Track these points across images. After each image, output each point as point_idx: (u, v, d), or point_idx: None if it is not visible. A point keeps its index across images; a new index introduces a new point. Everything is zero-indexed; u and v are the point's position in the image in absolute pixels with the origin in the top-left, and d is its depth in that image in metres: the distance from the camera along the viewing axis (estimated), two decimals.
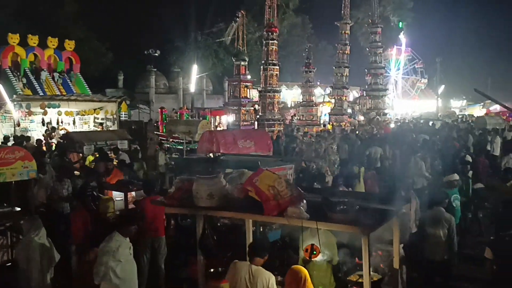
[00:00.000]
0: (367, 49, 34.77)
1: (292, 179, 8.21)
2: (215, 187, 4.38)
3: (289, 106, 41.53)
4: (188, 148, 16.95)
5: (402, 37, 56.30)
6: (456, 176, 8.76)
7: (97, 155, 12.96)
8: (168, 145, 19.21)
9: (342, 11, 31.12)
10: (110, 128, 20.36)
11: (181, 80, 38.53)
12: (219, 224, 6.14)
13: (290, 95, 45.10)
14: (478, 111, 46.86)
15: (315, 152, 14.89)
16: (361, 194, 6.47)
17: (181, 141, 18.25)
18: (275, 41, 26.18)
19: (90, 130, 20.65)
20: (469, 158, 12.52)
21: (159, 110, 25.97)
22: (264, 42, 26.37)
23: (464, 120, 34.44)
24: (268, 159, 8.35)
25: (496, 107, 39.46)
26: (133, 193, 8.45)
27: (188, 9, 43.80)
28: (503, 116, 25.02)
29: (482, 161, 12.46)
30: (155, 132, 19.90)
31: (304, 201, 4.10)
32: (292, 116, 36.01)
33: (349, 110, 37.52)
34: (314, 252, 4.05)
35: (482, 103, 48.09)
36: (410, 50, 58.32)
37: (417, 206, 7.13)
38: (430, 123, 28.38)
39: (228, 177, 4.89)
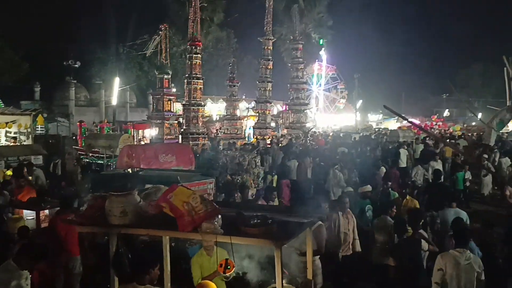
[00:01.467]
0: (290, 64, 35.71)
1: (212, 193, 8.25)
2: (128, 204, 4.28)
3: (214, 119, 41.59)
4: (109, 163, 16.45)
5: (323, 53, 58.67)
6: (369, 188, 9.29)
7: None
8: (88, 160, 18.51)
9: (265, 28, 31.81)
10: (24, 143, 19.23)
11: (103, 92, 37.39)
12: (137, 242, 6.00)
13: (216, 108, 45.22)
14: (393, 124, 49.66)
15: (239, 165, 14.99)
16: (276, 207, 6.61)
17: (101, 155, 17.68)
18: (199, 55, 26.21)
19: (1, 145, 19.36)
20: (383, 170, 13.25)
21: (78, 123, 24.97)
22: (188, 55, 26.30)
23: (380, 133, 36.29)
24: (188, 174, 8.33)
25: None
26: (46, 211, 8.02)
27: (110, 20, 42.80)
28: (414, 130, 26.67)
29: (394, 173, 13.20)
30: (73, 147, 19.10)
31: (219, 216, 4.13)
32: (217, 130, 36.08)
33: (273, 124, 38.28)
34: (229, 267, 4.08)
35: (397, 117, 51.07)
36: (335, 68, 60.93)
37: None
38: (358, 136, 29.59)
39: (143, 194, 4.80)
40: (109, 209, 4.32)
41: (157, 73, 27.28)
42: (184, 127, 26.69)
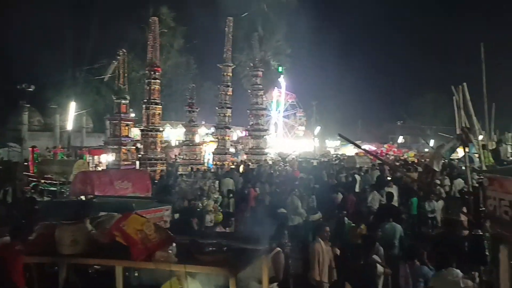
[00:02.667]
0: (249, 90, 36.05)
1: (169, 220, 8.11)
2: (79, 233, 4.18)
3: (173, 145, 41.23)
4: (62, 190, 15.94)
5: (282, 80, 59.68)
6: (318, 215, 9.45)
7: None
8: (41, 187, 17.85)
9: (225, 54, 32.11)
10: None
11: (58, 117, 36.42)
12: (89, 271, 5.80)
13: (175, 134, 44.90)
14: (350, 150, 50.68)
15: (200, 191, 14.89)
16: (232, 234, 6.58)
17: (54, 182, 17.13)
18: (158, 80, 26.12)
19: None
20: (340, 196, 13.46)
21: (30, 148, 24.15)
22: (147, 81, 26.17)
23: (338, 158, 36.94)
24: (144, 201, 8.18)
25: (366, 147, 43.14)
26: None
27: (67, 43, 42.12)
28: (370, 156, 27.31)
29: (351, 199, 13.41)
30: (24, 173, 18.41)
31: (174, 244, 4.08)
32: (176, 155, 35.73)
33: (232, 150, 38.28)
34: None
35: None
36: (294, 96, 62.01)
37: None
38: (315, 162, 29.91)
39: (96, 222, 4.68)
40: (59, 238, 4.19)
41: (114, 98, 26.89)
42: (142, 152, 26.31)
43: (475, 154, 13.73)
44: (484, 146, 14.84)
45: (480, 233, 4.01)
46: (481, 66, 11.29)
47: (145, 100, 25.99)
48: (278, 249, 6.58)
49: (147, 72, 26.34)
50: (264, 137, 35.24)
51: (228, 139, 33.43)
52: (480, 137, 15.45)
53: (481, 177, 3.80)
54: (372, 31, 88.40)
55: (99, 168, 24.41)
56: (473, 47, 11.04)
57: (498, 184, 3.44)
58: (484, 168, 11.17)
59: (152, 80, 25.72)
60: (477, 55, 11.19)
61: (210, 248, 3.92)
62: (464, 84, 11.15)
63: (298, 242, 8.80)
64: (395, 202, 12.43)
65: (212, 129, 38.70)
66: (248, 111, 35.09)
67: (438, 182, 14.92)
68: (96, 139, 38.15)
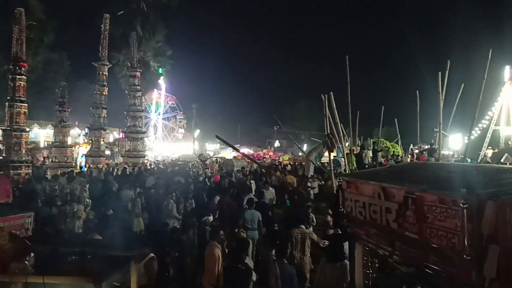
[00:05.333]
0: (127, 91, 34.86)
1: (31, 228, 7.49)
2: None
3: (41, 146, 38.23)
4: None
5: (162, 82, 58.73)
6: (211, 218, 9.52)
7: None
8: None
9: (100, 52, 30.68)
10: None
11: None
12: None
13: (44, 134, 41.69)
14: (229, 154, 51.53)
15: (71, 195, 13.96)
16: (100, 241, 6.28)
17: None
18: (24, 76, 24.00)
19: None
20: (217, 199, 13.55)
21: None
22: (11, 76, 23.92)
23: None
24: (2, 208, 7.45)
25: (244, 151, 44.27)
26: None
27: None
28: (247, 160, 28.05)
29: (227, 201, 13.58)
30: None
31: (32, 254, 3.77)
32: (44, 158, 33.18)
33: (108, 152, 36.67)
34: None
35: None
36: (175, 99, 61.23)
37: None
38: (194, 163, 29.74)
39: None
40: None
41: None
42: (3, 154, 23.95)
43: (342, 158, 14.86)
44: (348, 151, 16.16)
45: (339, 231, 4.33)
46: (347, 76, 12.24)
47: (9, 98, 23.73)
48: (152, 255, 6.40)
49: (11, 67, 24.06)
50: (142, 139, 34.32)
51: (103, 141, 31.94)
52: (347, 143, 16.77)
53: (341, 180, 4.08)
54: (252, 39, 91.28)
55: None
56: (342, 57, 11.89)
57: (354, 186, 3.72)
58: (348, 171, 12.12)
59: (17, 76, 23.57)
60: (345, 66, 12.12)
61: (73, 257, 3.69)
62: (331, 93, 12.01)
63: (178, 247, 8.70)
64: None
65: (86, 130, 36.69)
66: (125, 112, 33.90)
67: (309, 185, 15.84)
68: None
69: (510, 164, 23.43)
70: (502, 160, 29.47)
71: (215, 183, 17.84)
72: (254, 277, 6.51)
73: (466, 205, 2.30)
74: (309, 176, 10.78)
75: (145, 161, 32.44)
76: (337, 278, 5.71)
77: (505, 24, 43.81)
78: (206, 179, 19.73)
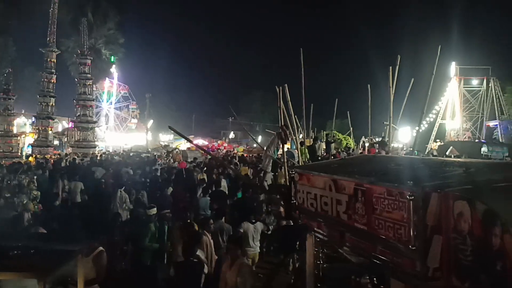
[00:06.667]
0: (77, 79, 33.74)
1: None
2: None
3: None
4: None
5: (114, 70, 57.24)
6: (154, 210, 9.26)
7: None
8: None
9: (48, 38, 29.49)
10: None
11: None
12: None
13: None
14: (183, 145, 51.01)
15: (19, 187, 13.39)
16: (45, 235, 6.06)
17: None
18: None
19: None
20: (170, 190, 13.38)
21: None
22: None
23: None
24: None
25: (199, 142, 44.03)
26: None
27: None
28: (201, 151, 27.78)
29: (181, 193, 13.42)
30: None
31: None
32: None
33: (56, 142, 35.46)
34: None
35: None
36: (127, 88, 59.78)
37: None
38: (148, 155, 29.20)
39: None
40: None
41: None
42: None
43: (296, 150, 15.00)
44: (302, 143, 16.36)
45: (292, 223, 4.36)
46: (301, 68, 12.35)
47: None
48: (101, 248, 6.24)
49: None
50: (93, 129, 33.38)
51: (51, 130, 30.83)
52: (301, 135, 16.96)
53: (293, 172, 4.10)
54: (207, 28, 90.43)
55: None
56: (297, 50, 11.99)
57: (306, 178, 3.75)
58: (301, 163, 12.26)
59: None
60: (304, 58, 12.23)
61: (15, 252, 3.51)
62: (285, 85, 12.09)
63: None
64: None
65: (33, 119, 35.30)
66: (74, 101, 32.82)
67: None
68: None
69: (454, 156, 24.49)
70: (447, 153, 30.82)
71: (178, 170, 17.57)
72: (206, 269, 6.49)
73: (412, 197, 2.35)
74: (267, 170, 10.84)
75: (96, 152, 31.59)
76: None
77: (452, 22, 45.58)
78: (159, 170, 19.39)
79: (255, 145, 52.13)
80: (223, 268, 5.67)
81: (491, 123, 44.80)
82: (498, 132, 42.68)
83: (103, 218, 11.06)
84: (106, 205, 12.08)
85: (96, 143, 33.95)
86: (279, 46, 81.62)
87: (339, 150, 23.81)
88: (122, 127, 59.58)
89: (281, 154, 10.75)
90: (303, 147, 15.46)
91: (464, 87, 47.65)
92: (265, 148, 12.46)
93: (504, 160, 25.31)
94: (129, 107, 61.31)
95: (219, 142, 57.02)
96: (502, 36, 51.03)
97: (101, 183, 14.30)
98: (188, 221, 8.79)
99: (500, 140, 39.77)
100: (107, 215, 10.97)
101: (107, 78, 57.28)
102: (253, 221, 8.54)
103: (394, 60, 12.19)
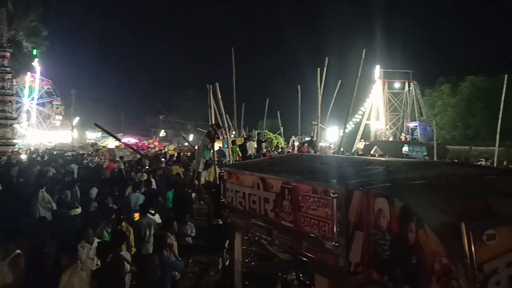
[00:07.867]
0: None
1: None
2: None
3: None
4: None
5: (37, 64, 54.25)
6: (78, 210, 8.95)
7: None
8: None
9: None
10: None
11: None
12: None
13: None
14: (111, 143, 49.32)
15: None
16: None
17: None
18: None
19: None
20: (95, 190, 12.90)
21: None
22: None
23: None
24: None
25: (128, 140, 42.90)
26: None
27: None
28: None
29: (111, 192, 12.99)
30: None
31: None
32: None
33: None
34: None
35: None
36: (51, 83, 56.86)
37: None
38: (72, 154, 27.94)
39: None
40: None
41: None
42: None
43: (227, 149, 15.02)
44: (233, 142, 16.41)
45: (220, 222, 4.37)
46: (232, 67, 12.40)
47: None
48: (18, 251, 5.90)
49: None
50: (12, 126, 31.52)
51: None
52: (232, 134, 17.01)
53: (222, 171, 4.11)
54: (138, 25, 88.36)
55: None
56: (228, 49, 12.04)
57: (235, 177, 3.77)
58: (232, 162, 12.30)
59: None
60: (235, 58, 12.26)
61: None
62: (216, 84, 12.07)
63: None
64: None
65: None
66: None
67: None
68: None
69: (378, 155, 25.65)
70: (371, 152, 32.24)
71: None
72: (127, 269, 6.31)
73: (336, 195, 2.43)
74: (199, 170, 10.77)
75: (15, 150, 29.79)
76: None
77: (377, 27, 47.73)
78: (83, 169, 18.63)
79: (186, 144, 51.66)
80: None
81: (412, 124, 47.33)
82: (417, 132, 45.16)
83: (21, 220, 10.46)
84: (24, 206, 11.44)
85: (15, 140, 32.04)
86: (211, 45, 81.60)
87: (270, 149, 24.16)
88: (45, 124, 56.65)
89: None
90: (235, 146, 15.53)
91: (388, 90, 50.11)
92: (196, 148, 12.40)
93: (423, 159, 26.89)
94: (53, 103, 58.39)
95: (149, 140, 55.87)
96: (423, 43, 54.33)
97: (19, 183, 13.55)
98: (117, 220, 8.55)
99: (420, 141, 42.11)
100: (25, 216, 10.40)
101: (28, 73, 54.13)
102: (153, 212, 8.46)
103: (323, 62, 12.58)
